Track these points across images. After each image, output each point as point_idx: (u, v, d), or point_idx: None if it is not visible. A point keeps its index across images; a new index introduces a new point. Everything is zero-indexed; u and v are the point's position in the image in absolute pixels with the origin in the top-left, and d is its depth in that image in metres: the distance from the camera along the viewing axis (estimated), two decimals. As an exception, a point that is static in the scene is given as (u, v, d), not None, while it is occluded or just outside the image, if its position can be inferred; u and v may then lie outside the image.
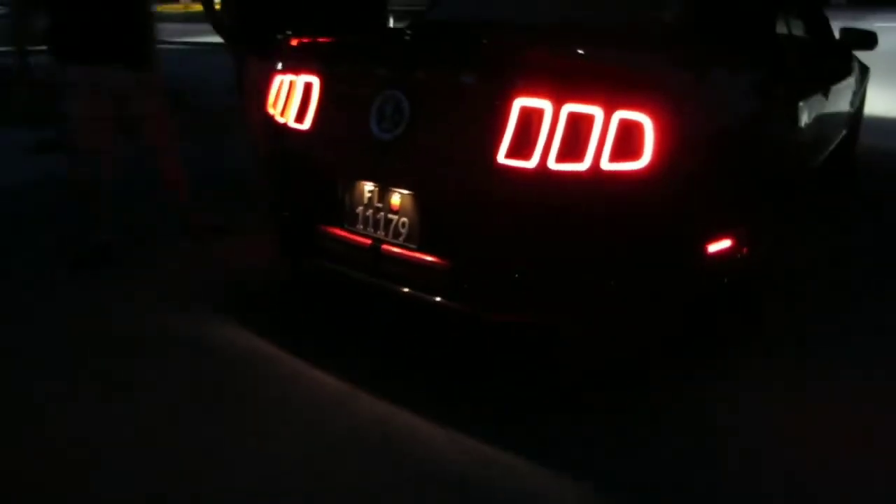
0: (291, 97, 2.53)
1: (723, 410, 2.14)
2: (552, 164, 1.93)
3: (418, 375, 2.33)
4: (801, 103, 2.92)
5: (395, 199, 2.21)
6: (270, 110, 2.65)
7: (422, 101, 2.15)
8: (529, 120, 1.96)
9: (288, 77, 2.57)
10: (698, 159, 2.04)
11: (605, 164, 1.89)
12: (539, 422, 2.07)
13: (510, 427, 2.04)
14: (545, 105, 1.94)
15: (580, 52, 2.27)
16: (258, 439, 2.00)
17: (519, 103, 1.97)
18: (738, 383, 2.29)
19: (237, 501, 1.77)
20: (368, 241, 2.28)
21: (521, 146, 1.96)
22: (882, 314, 2.80)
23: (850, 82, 4.17)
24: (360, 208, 2.30)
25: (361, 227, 2.30)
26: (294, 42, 2.69)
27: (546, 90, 1.94)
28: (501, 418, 2.08)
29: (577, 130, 1.91)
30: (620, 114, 1.87)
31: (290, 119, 2.51)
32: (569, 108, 1.91)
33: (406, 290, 2.24)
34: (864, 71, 4.74)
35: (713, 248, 2.18)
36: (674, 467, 1.88)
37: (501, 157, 1.98)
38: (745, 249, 2.37)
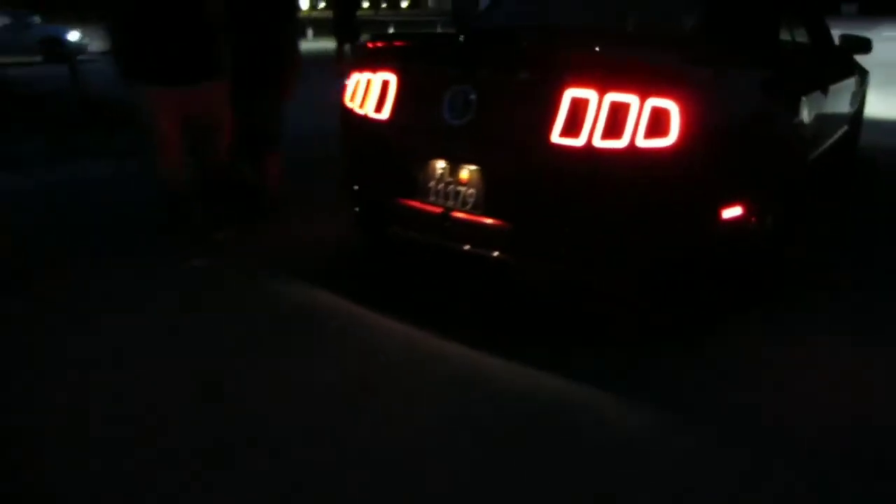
0: (369, 92, 3.01)
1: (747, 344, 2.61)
2: (597, 143, 2.40)
3: (479, 318, 2.80)
4: (802, 98, 3.38)
5: (464, 173, 2.69)
6: (349, 104, 3.14)
7: (487, 93, 2.63)
8: (578, 107, 2.43)
9: (366, 75, 3.05)
10: (714, 140, 2.50)
11: (640, 142, 2.36)
12: (583, 355, 2.54)
13: (560, 359, 2.50)
14: (591, 94, 2.41)
15: (618, 51, 2.74)
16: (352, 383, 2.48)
17: (569, 94, 2.44)
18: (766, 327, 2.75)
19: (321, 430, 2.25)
20: (440, 210, 2.75)
21: (571, 128, 2.43)
22: (868, 276, 3.25)
23: (849, 83, 4.64)
24: (433, 182, 2.78)
25: (433, 198, 2.78)
26: (370, 45, 3.18)
27: (591, 82, 2.42)
28: (557, 353, 2.54)
29: (617, 115, 2.38)
30: (652, 101, 2.35)
31: (369, 111, 2.99)
32: (610, 96, 2.39)
33: (471, 248, 2.72)
34: (864, 74, 5.19)
35: (726, 213, 2.64)
36: (711, 389, 2.33)
37: (555, 137, 2.46)
38: (753, 219, 2.82)
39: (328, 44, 13.65)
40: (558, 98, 2.46)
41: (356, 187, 3.19)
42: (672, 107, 2.34)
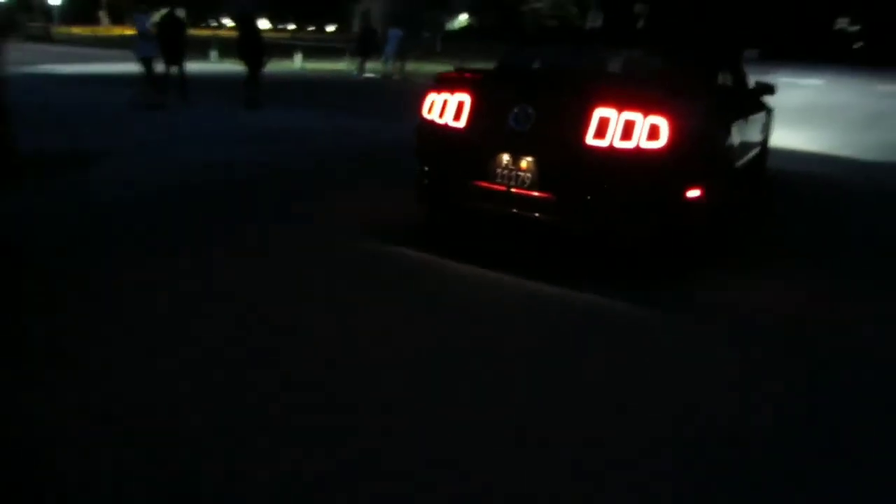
0: (447, 108, 4.33)
1: (699, 283, 4.06)
2: (616, 144, 3.81)
3: (534, 264, 4.13)
4: (733, 123, 4.93)
5: (524, 163, 4.04)
6: (427, 116, 4.45)
7: (542, 110, 4.00)
8: (603, 120, 3.84)
9: (443, 96, 4.37)
10: (686, 144, 3.94)
11: (643, 144, 3.78)
12: (602, 283, 3.91)
13: (586, 285, 3.86)
14: (612, 113, 3.82)
15: (627, 85, 4.19)
16: (444, 311, 3.77)
17: (598, 112, 3.85)
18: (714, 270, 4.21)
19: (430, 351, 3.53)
20: (504, 188, 4.09)
21: (599, 134, 3.84)
22: (774, 241, 4.81)
23: (761, 116, 6.30)
24: (500, 169, 4.12)
25: (500, 180, 4.11)
26: (446, 75, 4.52)
27: (612, 104, 3.83)
28: (584, 282, 3.90)
29: (629, 126, 3.80)
30: (651, 118, 3.78)
31: (449, 121, 4.31)
32: (624, 115, 3.81)
33: (526, 213, 4.07)
34: (770, 111, 6.91)
35: (690, 194, 4.09)
36: (688, 295, 3.75)
37: (588, 140, 3.85)
38: (705, 199, 4.28)
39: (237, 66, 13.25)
40: (590, 114, 3.86)
41: (436, 175, 4.49)
42: (662, 122, 3.77)
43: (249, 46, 11.33)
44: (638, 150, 3.80)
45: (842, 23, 20.92)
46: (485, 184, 4.18)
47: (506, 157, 4.11)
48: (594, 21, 18.03)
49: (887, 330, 3.55)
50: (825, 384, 2.91)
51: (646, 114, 3.79)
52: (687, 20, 37.39)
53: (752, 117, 5.78)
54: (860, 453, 2.42)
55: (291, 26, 70.42)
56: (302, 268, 4.00)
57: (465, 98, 4.29)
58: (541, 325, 3.36)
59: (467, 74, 4.59)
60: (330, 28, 73.10)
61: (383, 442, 2.32)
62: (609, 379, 2.86)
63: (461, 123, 4.28)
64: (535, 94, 4.11)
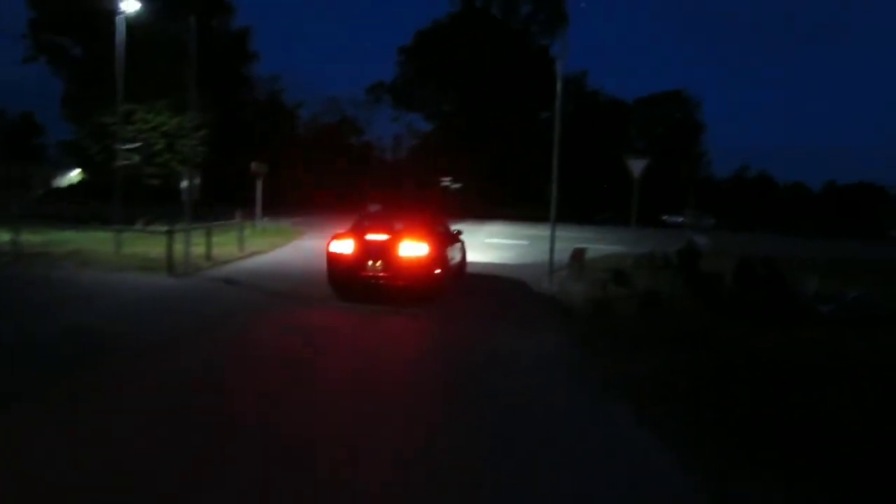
0: (341, 245, 11.10)
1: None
2: (410, 254, 10.90)
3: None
4: (449, 246, 12.37)
5: (378, 263, 10.91)
6: (331, 250, 11.17)
7: (387, 241, 10.99)
8: (405, 245, 10.92)
9: (337, 241, 11.17)
10: (434, 253, 11.15)
11: (419, 253, 10.93)
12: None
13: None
14: (408, 242, 10.94)
15: (413, 231, 11.38)
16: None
17: (403, 242, 10.94)
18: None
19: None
20: (370, 275, 10.90)
21: (404, 250, 10.90)
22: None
23: (460, 244, 14.01)
24: (369, 264, 10.92)
25: (370, 273, 10.90)
26: (338, 235, 11.34)
27: (403, 239, 10.96)
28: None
29: (413, 247, 10.94)
30: (421, 244, 10.98)
31: (342, 250, 11.07)
32: (413, 243, 10.95)
33: (377, 280, 10.92)
34: (463, 242, 14.68)
35: (436, 272, 11.28)
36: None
37: (400, 253, 10.89)
38: (442, 274, 11.50)
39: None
40: (399, 242, 10.92)
41: (337, 272, 11.14)
42: (426, 246, 10.97)
43: None
44: (417, 256, 10.88)
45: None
46: (362, 273, 10.93)
47: (369, 262, 10.92)
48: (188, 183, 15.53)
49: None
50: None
51: (421, 241, 10.94)
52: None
53: (455, 245, 13.37)
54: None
55: None
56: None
57: (349, 241, 11.09)
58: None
59: (344, 232, 11.43)
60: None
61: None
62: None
63: (349, 251, 11.04)
64: (379, 235, 11.08)
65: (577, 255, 14.57)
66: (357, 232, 11.49)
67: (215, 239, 16.07)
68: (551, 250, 14.49)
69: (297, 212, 37.86)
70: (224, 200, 30.61)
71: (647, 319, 9.88)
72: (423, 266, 10.92)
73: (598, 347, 8.21)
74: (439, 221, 13.06)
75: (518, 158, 55.64)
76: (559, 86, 14.04)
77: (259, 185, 24.90)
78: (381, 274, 10.83)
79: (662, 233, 31.58)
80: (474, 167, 51.47)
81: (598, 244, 22.87)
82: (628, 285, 11.85)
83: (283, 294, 11.68)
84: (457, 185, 26.24)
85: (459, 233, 13.98)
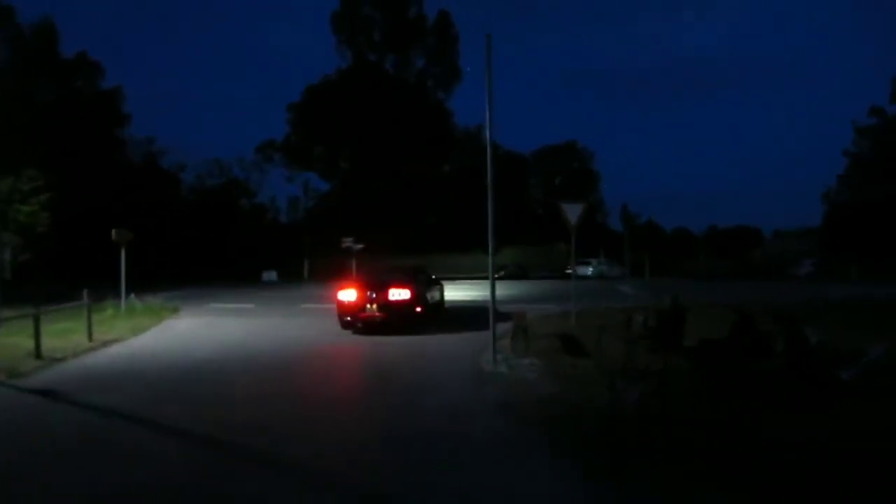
0: (346, 294, 15.00)
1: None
2: (397, 297, 14.81)
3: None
4: (430, 289, 16.30)
5: (375, 306, 14.77)
6: (339, 298, 15.08)
7: (377, 290, 14.87)
8: (393, 290, 14.84)
9: (343, 290, 15.11)
10: (417, 296, 15.07)
11: (403, 297, 14.86)
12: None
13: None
14: (396, 288, 14.86)
15: (400, 280, 15.28)
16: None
17: (392, 288, 14.85)
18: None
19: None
20: (367, 316, 14.77)
21: (393, 296, 14.81)
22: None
23: (440, 287, 17.97)
24: (368, 306, 14.77)
25: (368, 314, 14.76)
26: (343, 285, 15.26)
27: (396, 286, 14.88)
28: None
29: (400, 291, 14.88)
30: (406, 289, 14.91)
31: (349, 299, 14.97)
32: (399, 289, 14.86)
33: (377, 318, 14.79)
34: (441, 284, 18.61)
35: (418, 309, 15.16)
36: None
37: (390, 297, 14.79)
38: (423, 312, 15.37)
39: None
40: (390, 288, 14.81)
41: (344, 315, 15.04)
42: (409, 290, 14.87)
43: None
44: (403, 298, 14.74)
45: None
46: (363, 314, 14.78)
47: (368, 306, 14.76)
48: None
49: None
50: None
51: (404, 288, 14.82)
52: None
53: (435, 287, 17.28)
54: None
55: None
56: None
57: (353, 290, 14.97)
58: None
59: (348, 284, 15.31)
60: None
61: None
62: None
63: (352, 298, 14.90)
64: (373, 285, 14.97)
65: (519, 318, 12.32)
66: (357, 283, 15.57)
67: (63, 325, 14.15)
68: (492, 317, 10.76)
69: (177, 285, 33.47)
70: (88, 276, 27.21)
71: (662, 423, 6.56)
72: (407, 306, 14.81)
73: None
74: (420, 271, 17.15)
75: (421, 212, 55.57)
76: (489, 151, 10.71)
77: (122, 256, 19.23)
78: (377, 314, 14.70)
79: (583, 286, 26.29)
80: (377, 225, 47.38)
81: (529, 303, 20.70)
82: (586, 355, 9.57)
83: (131, 413, 7.70)
84: (359, 246, 27.53)
85: (439, 280, 17.93)
